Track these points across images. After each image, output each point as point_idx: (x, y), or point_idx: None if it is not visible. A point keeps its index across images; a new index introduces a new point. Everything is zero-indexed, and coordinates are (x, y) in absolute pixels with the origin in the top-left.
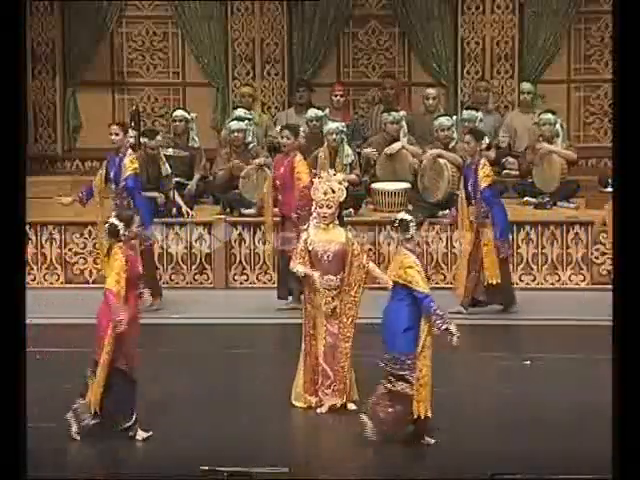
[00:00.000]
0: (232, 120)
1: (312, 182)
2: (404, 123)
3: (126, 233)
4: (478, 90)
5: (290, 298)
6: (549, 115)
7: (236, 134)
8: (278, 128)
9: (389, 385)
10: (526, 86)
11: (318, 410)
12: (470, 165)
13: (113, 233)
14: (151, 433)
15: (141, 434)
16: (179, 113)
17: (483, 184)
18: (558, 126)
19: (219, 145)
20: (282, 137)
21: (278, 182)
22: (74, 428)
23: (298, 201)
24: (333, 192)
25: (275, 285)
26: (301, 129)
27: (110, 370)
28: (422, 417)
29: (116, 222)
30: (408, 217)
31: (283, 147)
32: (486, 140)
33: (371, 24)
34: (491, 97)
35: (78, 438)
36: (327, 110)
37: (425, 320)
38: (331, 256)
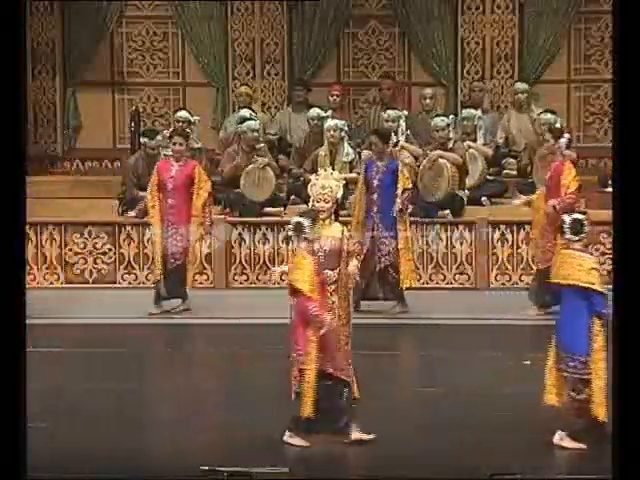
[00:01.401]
0: (245, 120)
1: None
2: (402, 122)
3: (310, 232)
4: (473, 91)
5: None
6: (549, 115)
7: (255, 134)
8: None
9: (573, 394)
10: (520, 86)
11: None
12: (383, 165)
13: (298, 231)
14: (372, 436)
15: (359, 435)
16: (182, 114)
17: (404, 186)
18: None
19: (220, 145)
20: (174, 143)
21: (170, 186)
22: (297, 441)
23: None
24: (330, 187)
25: (276, 285)
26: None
27: (318, 374)
28: (601, 421)
29: (302, 220)
30: (581, 216)
31: (176, 153)
32: (393, 139)
33: (371, 24)
34: (486, 97)
35: (308, 444)
36: (330, 111)
37: (597, 320)
38: (327, 251)
